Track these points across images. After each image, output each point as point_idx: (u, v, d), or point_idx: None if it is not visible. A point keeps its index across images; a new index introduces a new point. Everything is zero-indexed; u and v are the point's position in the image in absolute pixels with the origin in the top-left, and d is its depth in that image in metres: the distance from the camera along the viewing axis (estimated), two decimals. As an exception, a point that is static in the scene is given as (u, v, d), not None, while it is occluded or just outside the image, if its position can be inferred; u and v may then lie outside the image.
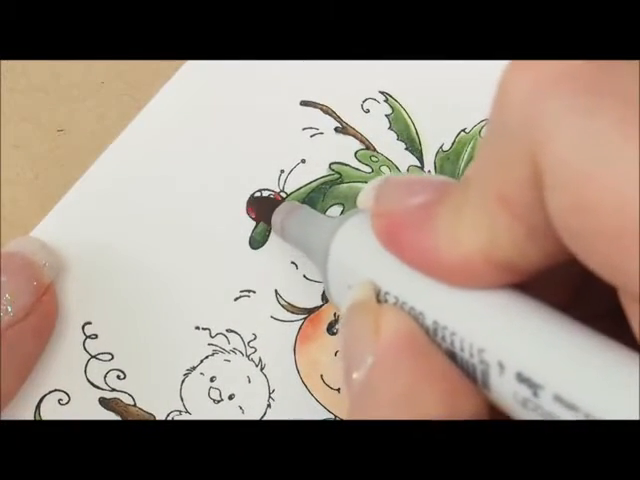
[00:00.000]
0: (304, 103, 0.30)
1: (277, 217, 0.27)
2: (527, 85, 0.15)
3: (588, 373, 0.15)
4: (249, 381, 0.29)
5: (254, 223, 0.29)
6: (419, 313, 0.19)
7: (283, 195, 0.29)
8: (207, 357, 0.29)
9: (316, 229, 0.25)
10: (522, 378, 0.16)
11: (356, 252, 0.21)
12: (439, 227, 0.18)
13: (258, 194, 0.29)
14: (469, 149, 0.31)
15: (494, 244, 0.17)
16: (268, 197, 0.29)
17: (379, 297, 0.20)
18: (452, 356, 0.18)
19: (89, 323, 0.28)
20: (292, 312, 0.29)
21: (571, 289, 0.20)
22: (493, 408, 0.18)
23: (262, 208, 0.29)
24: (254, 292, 0.29)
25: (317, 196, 0.30)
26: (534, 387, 0.16)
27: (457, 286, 0.18)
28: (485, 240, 0.17)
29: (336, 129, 0.30)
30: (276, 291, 0.29)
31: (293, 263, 0.29)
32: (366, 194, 0.20)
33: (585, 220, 0.14)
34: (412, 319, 0.19)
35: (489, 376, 0.17)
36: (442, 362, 0.18)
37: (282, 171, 0.29)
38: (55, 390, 0.27)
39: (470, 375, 0.18)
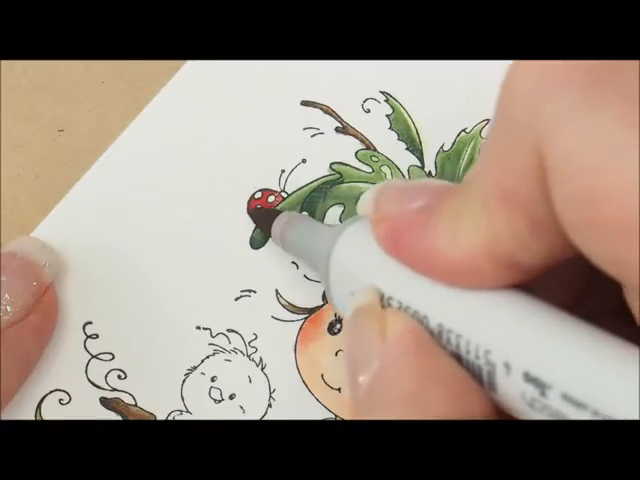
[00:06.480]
0: (305, 103, 0.30)
1: (277, 227, 0.27)
2: (532, 79, 0.16)
3: (596, 371, 0.15)
4: (250, 381, 0.29)
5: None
6: (423, 317, 0.19)
7: (284, 195, 0.29)
8: (208, 357, 0.29)
9: (316, 238, 0.24)
10: (529, 378, 0.16)
11: (358, 259, 0.21)
12: (439, 228, 0.18)
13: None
14: (469, 149, 0.31)
15: (495, 241, 0.17)
16: (266, 208, 0.29)
17: (383, 302, 0.20)
18: (457, 359, 0.18)
19: (90, 323, 0.28)
20: (293, 312, 0.29)
21: (575, 289, 0.20)
22: (499, 410, 0.18)
23: (261, 219, 0.29)
24: (255, 292, 0.29)
25: (318, 196, 0.30)
26: (542, 387, 0.16)
27: (460, 287, 0.18)
28: (485, 237, 0.17)
29: (337, 129, 0.30)
30: (277, 291, 0.29)
31: (294, 263, 0.29)
32: (365, 200, 0.20)
33: (589, 212, 0.14)
34: (417, 322, 0.19)
35: (496, 377, 0.17)
36: (448, 363, 0.18)
37: (283, 171, 0.29)
38: (56, 390, 0.27)
39: (476, 377, 0.18)
